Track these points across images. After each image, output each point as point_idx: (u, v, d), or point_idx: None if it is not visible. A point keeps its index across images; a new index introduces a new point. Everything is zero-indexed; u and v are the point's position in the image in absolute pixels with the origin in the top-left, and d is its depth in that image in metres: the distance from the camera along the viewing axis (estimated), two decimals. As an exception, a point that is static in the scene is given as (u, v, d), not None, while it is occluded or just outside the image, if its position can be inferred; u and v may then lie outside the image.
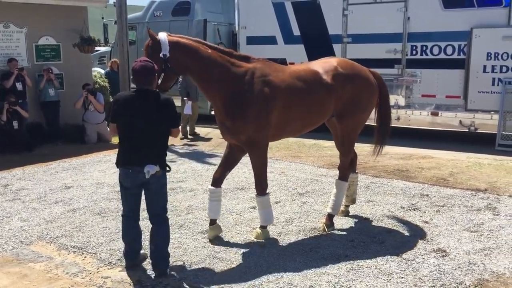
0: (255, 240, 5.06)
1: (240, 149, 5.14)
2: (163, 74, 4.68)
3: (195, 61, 4.76)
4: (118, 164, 4.26)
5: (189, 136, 11.49)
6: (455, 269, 4.35)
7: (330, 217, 5.39)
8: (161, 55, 4.61)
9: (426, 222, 5.52)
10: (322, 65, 5.27)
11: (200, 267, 4.46)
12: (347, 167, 5.49)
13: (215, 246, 4.92)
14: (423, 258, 4.57)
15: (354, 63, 5.51)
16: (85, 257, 4.74)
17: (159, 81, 4.65)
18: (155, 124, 4.15)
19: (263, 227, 5.12)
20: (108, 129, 10.87)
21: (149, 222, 4.37)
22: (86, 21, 11.46)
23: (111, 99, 9.33)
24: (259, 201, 5.10)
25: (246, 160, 8.68)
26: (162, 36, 4.70)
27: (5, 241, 5.16)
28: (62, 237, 5.24)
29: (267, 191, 5.09)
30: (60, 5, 10.92)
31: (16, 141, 9.58)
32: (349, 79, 5.20)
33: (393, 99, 10.54)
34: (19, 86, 10.06)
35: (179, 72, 4.88)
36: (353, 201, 5.86)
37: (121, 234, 4.51)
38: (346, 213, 5.78)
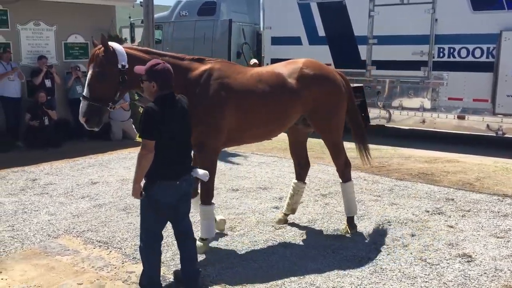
0: None
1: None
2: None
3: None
4: (156, 180, 3.70)
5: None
6: (481, 275, 4.29)
7: (350, 219, 5.36)
8: (119, 66, 4.17)
9: (451, 227, 5.45)
10: (287, 67, 5.02)
11: (223, 265, 4.49)
12: (344, 168, 5.32)
13: (238, 245, 4.95)
14: (448, 263, 4.52)
15: (321, 64, 5.26)
16: (110, 251, 4.82)
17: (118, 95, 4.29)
18: (190, 127, 3.98)
19: (202, 240, 4.71)
20: (135, 129, 11.04)
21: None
22: (114, 20, 11.65)
23: (136, 97, 9.43)
24: (203, 210, 4.67)
25: (268, 160, 8.73)
26: (117, 46, 4.28)
27: (33, 234, 5.29)
28: (88, 231, 5.34)
29: (212, 201, 4.75)
30: (89, 4, 11.14)
31: (45, 137, 9.80)
32: (316, 80, 4.95)
33: (418, 101, 10.48)
34: (48, 83, 10.33)
35: (133, 86, 4.36)
36: (293, 211, 5.59)
37: (148, 267, 3.95)
38: (284, 221, 5.51)
